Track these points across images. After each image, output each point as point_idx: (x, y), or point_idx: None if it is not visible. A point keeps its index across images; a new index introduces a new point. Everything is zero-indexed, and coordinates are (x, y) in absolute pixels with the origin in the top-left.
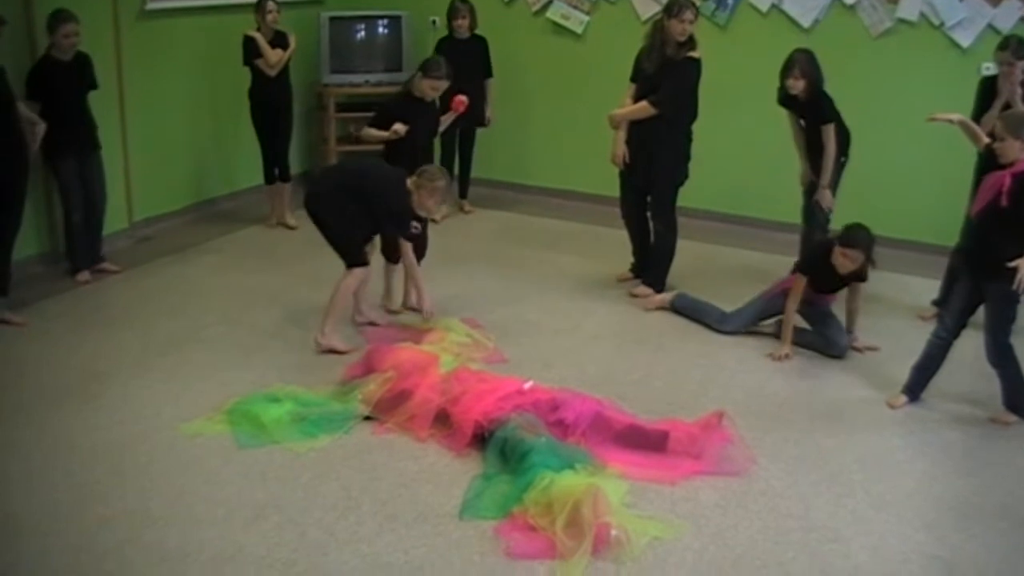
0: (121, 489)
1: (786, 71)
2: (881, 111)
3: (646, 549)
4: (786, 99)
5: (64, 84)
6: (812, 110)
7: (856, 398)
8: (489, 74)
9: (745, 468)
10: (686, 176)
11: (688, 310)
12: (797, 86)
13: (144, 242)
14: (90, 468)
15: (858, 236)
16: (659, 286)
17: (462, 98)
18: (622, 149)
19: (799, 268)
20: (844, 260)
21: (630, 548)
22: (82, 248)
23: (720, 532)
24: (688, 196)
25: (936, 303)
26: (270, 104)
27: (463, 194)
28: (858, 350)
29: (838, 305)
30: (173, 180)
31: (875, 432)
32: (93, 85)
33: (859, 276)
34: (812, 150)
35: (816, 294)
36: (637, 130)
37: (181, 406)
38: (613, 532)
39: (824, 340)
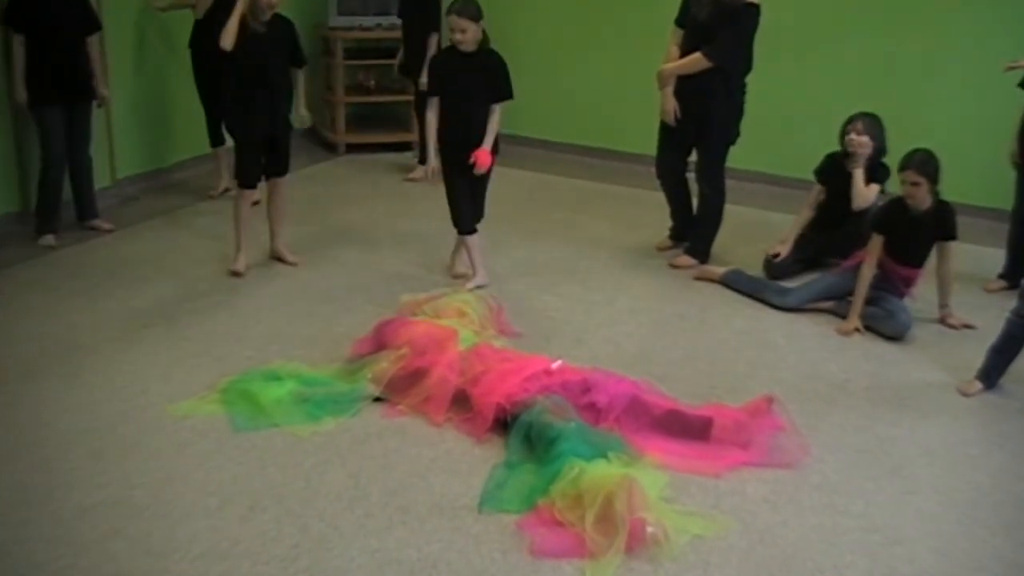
0: (102, 476)
1: (845, 126)
2: (939, 58)
3: (686, 548)
4: (831, 170)
5: (49, 15)
6: (866, 173)
7: (924, 382)
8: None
9: (798, 459)
10: (738, 134)
11: (741, 285)
12: (860, 142)
13: (130, 202)
14: (67, 452)
15: (911, 156)
16: (703, 256)
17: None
18: (672, 103)
19: (872, 225)
20: (909, 189)
21: (668, 547)
22: (53, 207)
23: (769, 530)
24: (737, 156)
25: (1003, 276)
26: (208, 54)
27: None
28: (953, 327)
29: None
30: (162, 134)
31: (945, 421)
32: (89, 24)
33: (946, 232)
34: (833, 222)
35: (895, 265)
36: (687, 83)
37: (170, 384)
38: (649, 529)
39: (883, 314)
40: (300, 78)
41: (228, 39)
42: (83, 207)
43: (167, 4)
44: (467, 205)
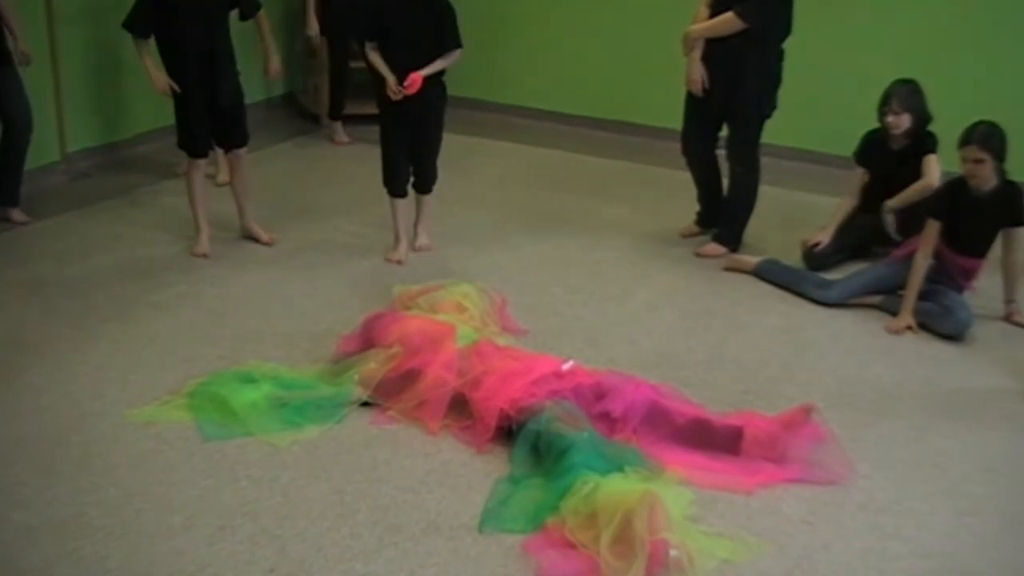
0: (51, 492)
1: (882, 107)
2: (997, 18)
3: (714, 574)
4: (871, 150)
5: None
6: (914, 147)
7: (986, 389)
8: None
9: (840, 475)
10: (775, 106)
11: (777, 277)
12: (900, 123)
13: (82, 179)
14: (11, 465)
15: (972, 130)
16: (734, 243)
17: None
18: (700, 71)
19: (927, 209)
20: (971, 167)
21: (693, 572)
22: None
23: (808, 556)
24: (774, 131)
25: None
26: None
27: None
28: (1020, 325)
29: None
30: (119, 103)
31: (1009, 433)
32: None
33: (1014, 217)
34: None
35: (954, 254)
36: (717, 48)
37: (129, 387)
38: (672, 552)
39: (940, 311)
40: (263, 24)
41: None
42: None
43: None
44: (402, 165)
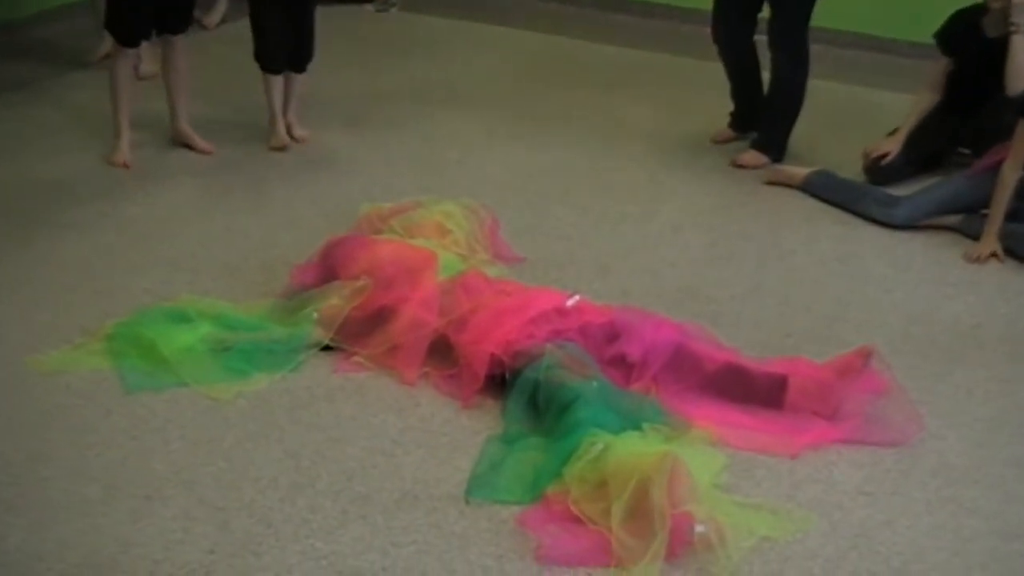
0: None
1: None
2: None
3: (751, 555)
4: (961, 34)
5: None
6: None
7: None
8: None
9: (906, 435)
10: None
11: (831, 193)
12: None
13: None
14: None
15: None
16: (778, 151)
17: None
18: None
19: (1019, 110)
20: None
21: (726, 553)
22: None
23: (867, 533)
24: (827, 11)
25: None
26: None
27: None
28: None
29: None
30: None
31: None
32: None
33: None
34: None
35: None
36: None
37: (32, 327)
38: (699, 528)
39: None
40: None
41: None
42: None
43: None
44: (279, 33)
